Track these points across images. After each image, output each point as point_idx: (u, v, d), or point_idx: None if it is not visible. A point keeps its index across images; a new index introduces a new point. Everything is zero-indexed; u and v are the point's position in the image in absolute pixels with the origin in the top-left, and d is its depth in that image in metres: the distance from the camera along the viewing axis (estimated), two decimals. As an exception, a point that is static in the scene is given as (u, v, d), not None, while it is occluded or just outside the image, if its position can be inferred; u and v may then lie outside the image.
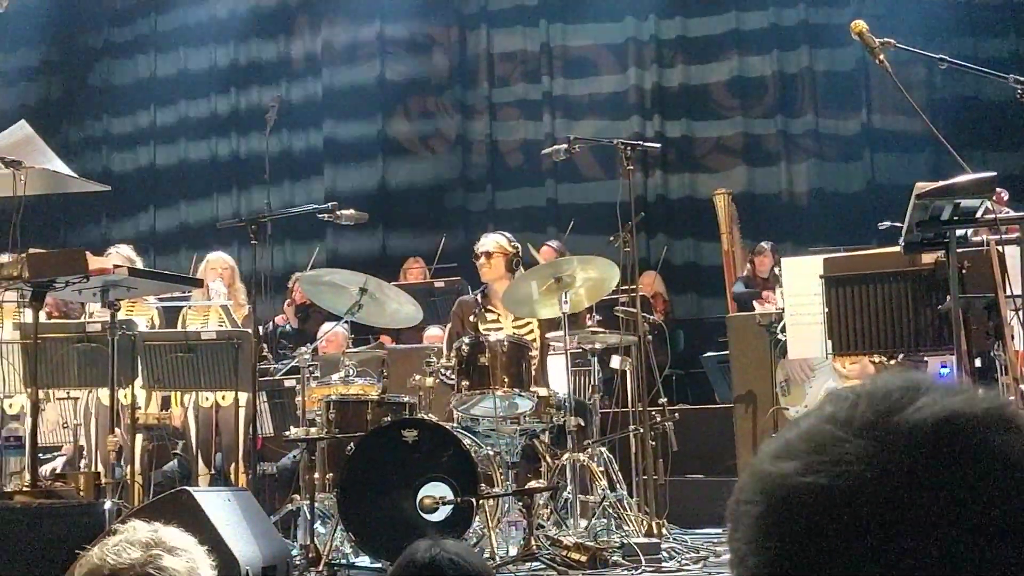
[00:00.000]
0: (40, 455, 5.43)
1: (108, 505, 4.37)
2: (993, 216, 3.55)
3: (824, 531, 0.65)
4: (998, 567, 0.63)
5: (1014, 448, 0.65)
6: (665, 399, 5.94)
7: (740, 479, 0.72)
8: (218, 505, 3.99)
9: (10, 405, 6.24)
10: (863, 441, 0.66)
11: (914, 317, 4.22)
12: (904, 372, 0.72)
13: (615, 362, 6.53)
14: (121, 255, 6.31)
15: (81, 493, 4.68)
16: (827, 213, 9.88)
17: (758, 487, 0.69)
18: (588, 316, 6.08)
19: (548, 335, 5.88)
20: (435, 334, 7.46)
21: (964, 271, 3.83)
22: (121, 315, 5.50)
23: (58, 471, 6.44)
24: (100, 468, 5.79)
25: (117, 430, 5.27)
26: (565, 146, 5.76)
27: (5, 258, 4.56)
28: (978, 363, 4.36)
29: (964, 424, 0.65)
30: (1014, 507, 0.64)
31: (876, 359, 5.45)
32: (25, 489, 4.27)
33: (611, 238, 6.12)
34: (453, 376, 5.37)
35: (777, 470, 0.68)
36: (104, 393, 6.04)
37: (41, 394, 6.17)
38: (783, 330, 4.96)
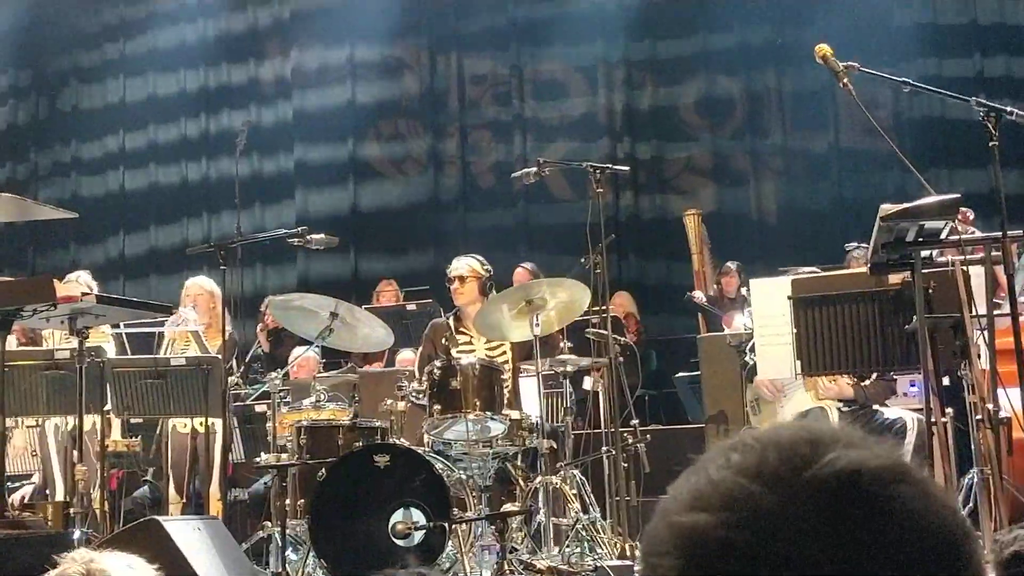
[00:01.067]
0: (8, 483, 5.38)
1: (77, 535, 4.33)
2: (957, 237, 3.59)
3: None
4: None
5: (912, 499, 0.69)
6: (637, 420, 5.95)
7: (651, 527, 0.74)
8: (187, 534, 3.96)
9: (-24, 433, 6.17)
10: (774, 495, 0.68)
11: (882, 337, 4.26)
12: (806, 425, 0.74)
13: (587, 383, 6.55)
14: (81, 282, 6.27)
15: (49, 523, 4.64)
16: (796, 232, 9.94)
17: (675, 541, 0.71)
18: (560, 338, 6.09)
19: (520, 363, 5.88)
20: (408, 358, 7.44)
21: (930, 291, 3.87)
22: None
23: (27, 499, 6.37)
24: (67, 497, 5.72)
25: (85, 459, 5.21)
26: (535, 169, 5.79)
27: (-29, 286, 4.53)
28: (946, 382, 4.40)
29: (868, 477, 0.68)
30: (913, 554, 0.67)
31: (848, 379, 5.49)
32: (-8, 520, 4.22)
33: (581, 259, 6.15)
34: (424, 399, 5.36)
35: (692, 522, 0.70)
36: (72, 421, 5.98)
37: (9, 422, 6.11)
38: (752, 351, 4.99)
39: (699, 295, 8.68)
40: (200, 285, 7.01)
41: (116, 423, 6.62)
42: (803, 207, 10.15)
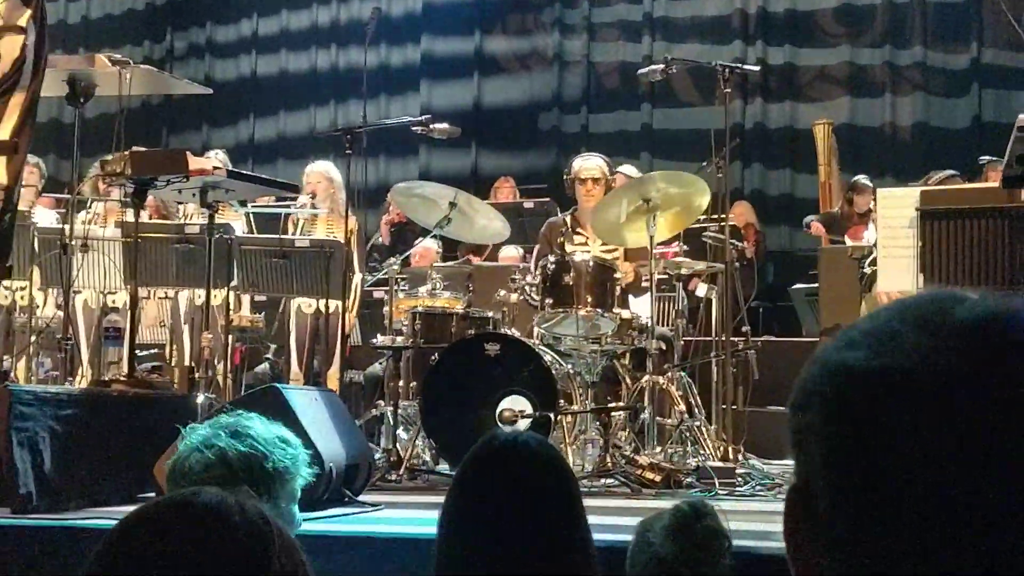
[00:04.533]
0: (139, 351, 5.65)
1: (200, 399, 4.55)
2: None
3: (883, 410, 0.69)
4: None
5: None
6: (748, 328, 5.90)
7: (806, 369, 0.76)
8: (305, 403, 4.11)
9: (112, 301, 6.48)
10: (919, 332, 0.71)
11: (1010, 254, 4.13)
12: (942, 289, 0.77)
13: (701, 290, 6.51)
14: (218, 159, 6.44)
15: (175, 386, 4.87)
16: (930, 149, 9.60)
17: (824, 373, 0.73)
18: (674, 244, 6.05)
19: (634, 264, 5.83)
20: (510, 255, 7.48)
21: (1065, 209, 3.73)
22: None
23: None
24: (193, 364, 5.99)
25: (212, 331, 5.42)
26: (662, 67, 5.69)
27: (109, 156, 4.71)
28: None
29: (1007, 319, 0.71)
30: None
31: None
32: (122, 379, 4.45)
33: (703, 163, 6.06)
34: (537, 296, 5.41)
35: (841, 359, 0.73)
36: (197, 292, 6.22)
37: (142, 292, 6.40)
38: (873, 263, 4.89)
39: (816, 228, 8.44)
40: (320, 172, 7.05)
41: (245, 300, 6.86)
42: (939, 124, 9.79)
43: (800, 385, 0.76)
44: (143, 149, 4.86)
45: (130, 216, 4.88)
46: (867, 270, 5.09)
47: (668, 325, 6.16)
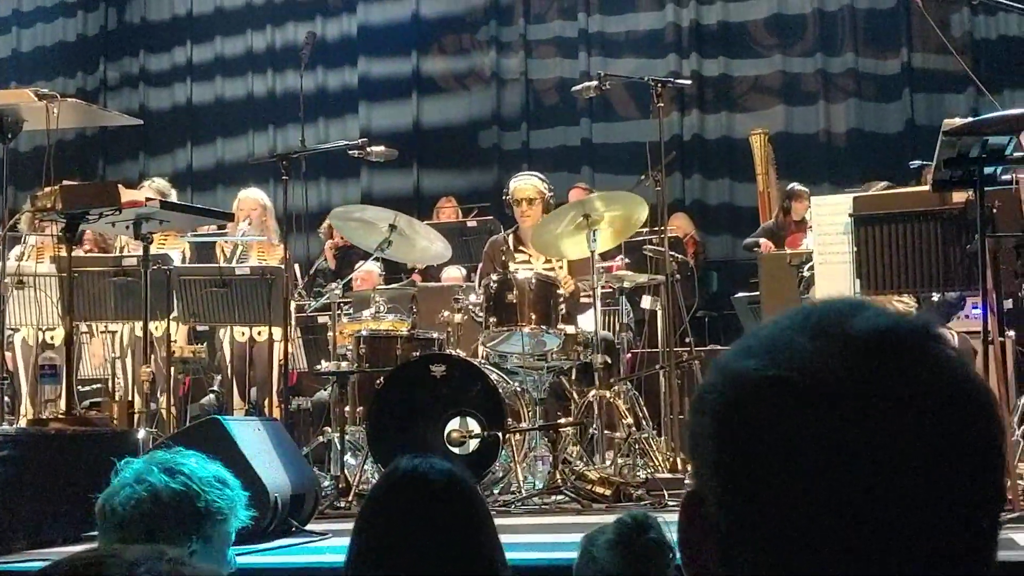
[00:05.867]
0: (80, 387, 5.55)
1: (142, 434, 4.48)
2: (1021, 154, 3.51)
3: (771, 418, 0.72)
4: (929, 456, 0.69)
5: (944, 354, 0.73)
6: (692, 339, 5.94)
7: (707, 375, 0.79)
8: (248, 434, 4.06)
9: (51, 337, 6.37)
10: (816, 342, 0.73)
11: (943, 256, 4.19)
12: (848, 297, 0.79)
13: (646, 302, 6.54)
14: (154, 188, 6.37)
15: (115, 421, 4.79)
16: (865, 154, 9.74)
17: (720, 381, 0.76)
18: (617, 257, 6.08)
19: (576, 278, 5.87)
20: (453, 276, 7.46)
21: (994, 210, 3.79)
22: (154, 249, 5.57)
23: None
24: (135, 398, 5.90)
25: (151, 359, 5.34)
26: (595, 83, 5.73)
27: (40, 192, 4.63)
28: (1009, 304, 4.33)
29: (904, 332, 0.73)
30: (945, 402, 0.71)
31: (908, 301, 5.42)
32: (60, 416, 4.37)
33: (642, 176, 6.10)
34: (481, 313, 5.41)
35: (739, 367, 0.75)
36: (139, 325, 6.13)
37: (84, 327, 6.30)
38: (811, 269, 4.95)
39: (766, 244, 8.44)
40: (254, 199, 7.02)
41: (182, 331, 6.78)
42: (873, 129, 9.93)
43: (699, 391, 0.79)
44: (74, 183, 4.79)
45: (64, 251, 4.80)
46: (806, 273, 5.14)
47: (615, 337, 6.18)
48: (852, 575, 0.69)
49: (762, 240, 8.48)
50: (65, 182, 4.64)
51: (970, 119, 3.41)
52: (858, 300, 0.77)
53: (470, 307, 5.53)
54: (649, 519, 2.24)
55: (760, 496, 0.71)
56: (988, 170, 3.59)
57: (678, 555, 2.23)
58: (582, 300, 5.89)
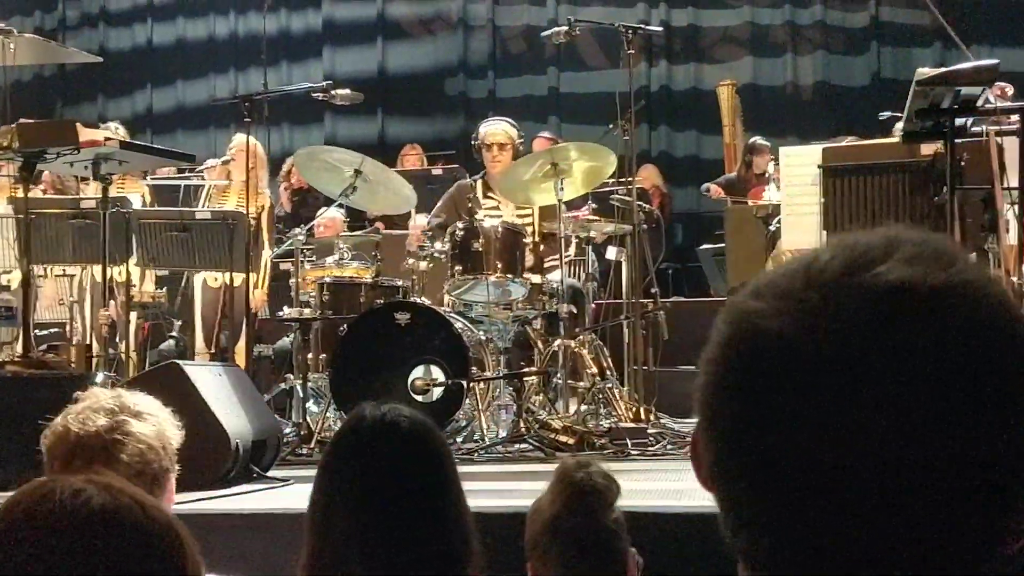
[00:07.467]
0: (36, 331, 5.46)
1: (100, 377, 4.40)
2: (993, 105, 3.49)
3: (771, 370, 0.69)
4: (928, 428, 0.66)
5: (969, 325, 0.67)
6: (657, 290, 5.93)
7: (717, 327, 0.77)
8: (208, 379, 4.01)
9: (8, 280, 6.25)
10: (821, 296, 0.69)
11: (911, 208, 4.19)
12: (879, 234, 0.73)
13: (611, 253, 6.52)
14: (112, 130, 6.22)
15: (72, 365, 4.72)
16: (832, 107, 9.75)
17: (730, 315, 0.74)
18: (584, 207, 6.04)
19: (544, 224, 5.83)
20: (422, 223, 7.37)
21: (962, 163, 3.79)
22: (113, 192, 5.45)
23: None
24: (93, 342, 5.81)
25: (111, 304, 5.26)
26: (565, 29, 5.66)
27: (-4, 129, 4.51)
28: (973, 257, 4.34)
29: (915, 296, 0.68)
30: (948, 375, 0.66)
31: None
32: (17, 359, 4.29)
33: (610, 126, 6.05)
34: (445, 258, 5.35)
35: (745, 306, 0.73)
36: (98, 270, 6.02)
37: (39, 270, 6.18)
38: (778, 222, 4.94)
39: (716, 191, 8.45)
40: (251, 146, 6.83)
41: (149, 276, 6.66)
42: (840, 82, 9.93)
43: (713, 326, 0.76)
44: (31, 121, 4.66)
45: (22, 192, 4.69)
46: (772, 227, 5.14)
47: (580, 287, 6.15)
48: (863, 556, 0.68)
49: (712, 185, 8.47)
50: (21, 120, 4.52)
51: (943, 69, 3.39)
52: (889, 240, 0.71)
53: (434, 253, 5.47)
54: (589, 461, 2.25)
55: (750, 456, 0.70)
56: (959, 122, 3.58)
57: (620, 489, 2.21)
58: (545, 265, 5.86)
